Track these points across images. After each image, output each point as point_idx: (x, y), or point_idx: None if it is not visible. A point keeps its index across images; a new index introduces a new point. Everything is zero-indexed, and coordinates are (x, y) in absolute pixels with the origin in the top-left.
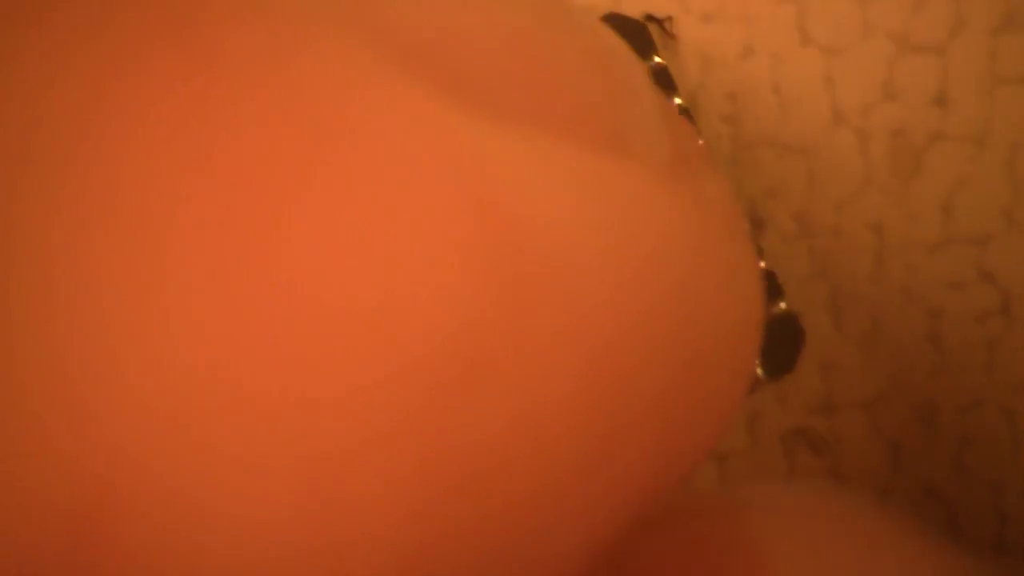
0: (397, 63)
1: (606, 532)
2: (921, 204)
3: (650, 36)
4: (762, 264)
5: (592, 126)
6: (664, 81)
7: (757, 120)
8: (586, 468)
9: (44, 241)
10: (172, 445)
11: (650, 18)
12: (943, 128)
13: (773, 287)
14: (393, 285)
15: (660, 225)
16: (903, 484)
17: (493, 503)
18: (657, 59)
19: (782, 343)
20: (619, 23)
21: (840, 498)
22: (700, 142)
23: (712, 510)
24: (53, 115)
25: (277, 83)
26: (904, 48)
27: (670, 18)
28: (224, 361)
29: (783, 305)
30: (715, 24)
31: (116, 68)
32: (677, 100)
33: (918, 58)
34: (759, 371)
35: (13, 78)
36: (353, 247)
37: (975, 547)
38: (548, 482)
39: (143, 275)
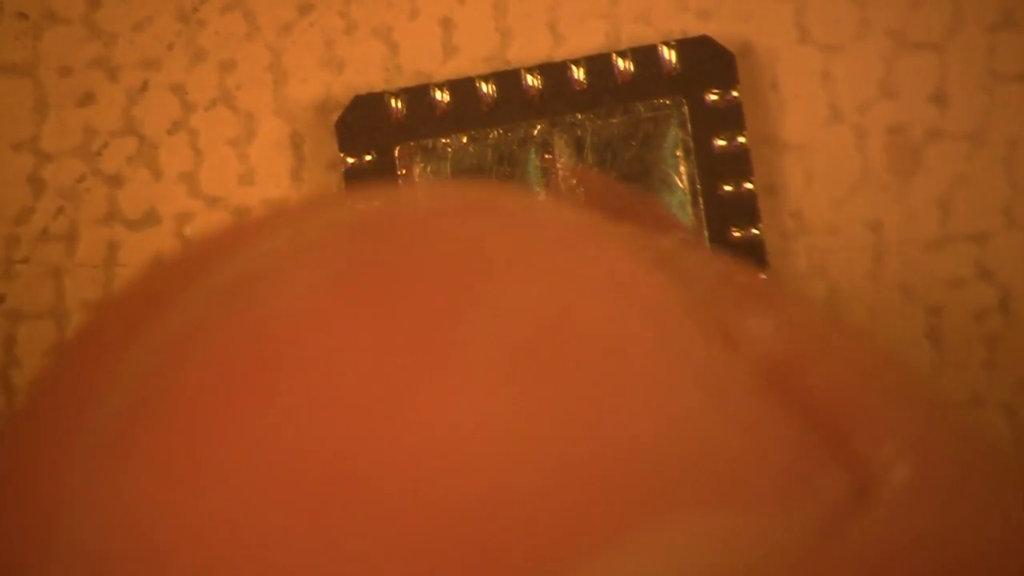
0: None
1: None
2: (919, 201)
3: (735, 67)
4: None
5: None
6: (734, 117)
7: (755, 117)
8: None
9: None
10: None
11: None
12: (941, 125)
13: None
14: None
15: None
16: None
17: None
18: (735, 93)
19: None
20: (707, 49)
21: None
22: None
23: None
24: None
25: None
26: (902, 45)
27: None
28: None
29: None
30: (712, 21)
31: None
32: (742, 139)
33: (916, 55)
34: None
35: None
36: None
37: None
38: None
39: None
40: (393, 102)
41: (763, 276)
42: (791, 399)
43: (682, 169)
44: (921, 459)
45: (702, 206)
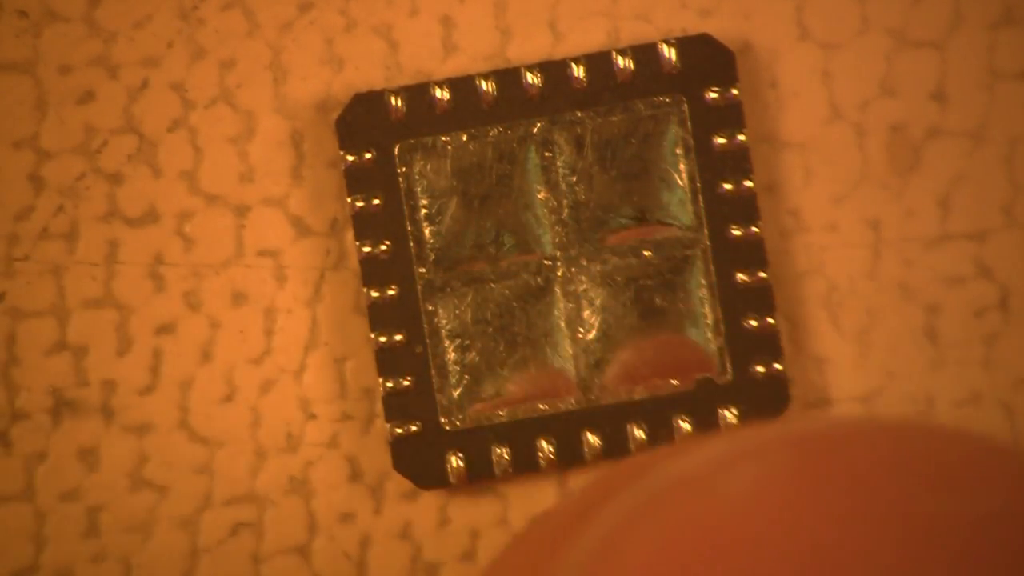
0: None
1: None
2: (919, 199)
3: (735, 65)
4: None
5: None
6: (734, 115)
7: (755, 115)
8: None
9: None
10: None
11: None
12: (941, 123)
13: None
14: None
15: None
16: None
17: None
18: (734, 91)
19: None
20: (707, 47)
21: None
22: None
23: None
24: None
25: None
26: (902, 43)
27: None
28: None
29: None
30: (712, 19)
31: None
32: (741, 137)
33: (916, 53)
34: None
35: None
36: None
37: None
38: None
39: None
40: (393, 100)
41: None
42: None
43: (682, 167)
44: None
45: (702, 204)
